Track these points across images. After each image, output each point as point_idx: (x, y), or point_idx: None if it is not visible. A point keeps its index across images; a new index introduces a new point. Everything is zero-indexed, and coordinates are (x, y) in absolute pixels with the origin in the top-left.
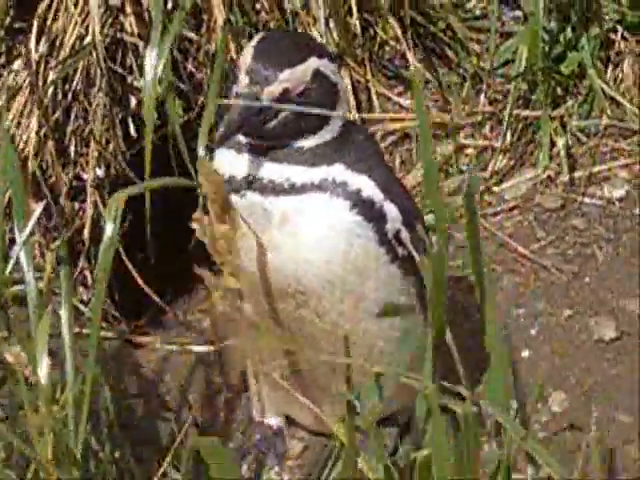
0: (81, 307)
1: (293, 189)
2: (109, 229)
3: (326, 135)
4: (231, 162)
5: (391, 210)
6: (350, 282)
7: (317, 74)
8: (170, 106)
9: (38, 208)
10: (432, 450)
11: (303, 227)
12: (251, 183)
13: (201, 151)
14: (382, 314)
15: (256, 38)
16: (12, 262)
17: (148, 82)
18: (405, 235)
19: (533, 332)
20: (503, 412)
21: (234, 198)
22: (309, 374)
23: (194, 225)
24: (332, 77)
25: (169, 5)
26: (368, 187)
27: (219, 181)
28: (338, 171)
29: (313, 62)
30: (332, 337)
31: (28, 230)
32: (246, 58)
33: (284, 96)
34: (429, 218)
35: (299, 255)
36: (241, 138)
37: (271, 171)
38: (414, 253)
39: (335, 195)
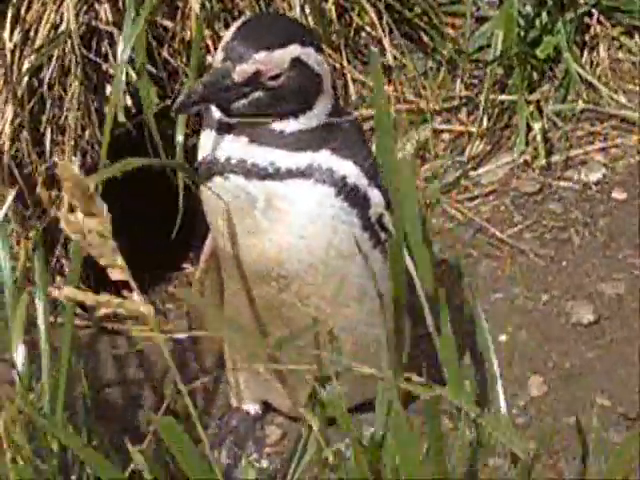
0: (58, 296)
1: (277, 174)
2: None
3: (311, 121)
4: (213, 143)
5: (375, 195)
6: (333, 267)
7: (297, 62)
8: (143, 92)
9: (10, 196)
10: (394, 440)
11: (287, 212)
12: (234, 166)
13: (180, 138)
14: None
15: (243, 18)
16: None
17: (119, 67)
18: (388, 219)
19: (511, 316)
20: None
21: (217, 180)
22: (286, 359)
23: (62, 224)
24: (315, 67)
25: None
26: (353, 173)
27: (77, 176)
28: (324, 157)
29: (294, 49)
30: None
31: (0, 217)
32: (227, 36)
33: (256, 77)
34: None
35: (283, 240)
36: (217, 115)
37: (254, 154)
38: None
39: (320, 181)
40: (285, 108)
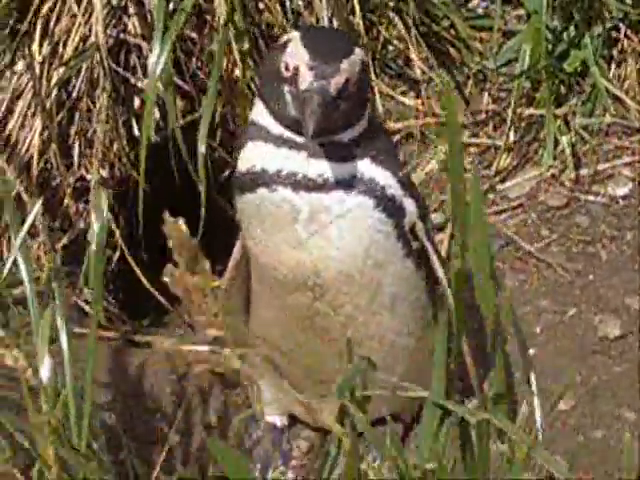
0: (86, 307)
1: (325, 185)
2: (97, 228)
3: (359, 129)
4: (263, 155)
5: (409, 205)
6: (368, 276)
7: (363, 65)
8: (170, 105)
9: (34, 208)
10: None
11: (330, 226)
12: (284, 178)
13: (202, 150)
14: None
15: (295, 35)
16: (9, 263)
17: (149, 81)
18: (420, 229)
19: (537, 330)
20: (506, 418)
21: (262, 191)
22: (316, 369)
23: (165, 279)
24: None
25: (171, 6)
26: (391, 183)
27: (184, 235)
28: (366, 167)
29: (359, 52)
30: (345, 330)
31: (24, 231)
32: (299, 55)
33: (346, 86)
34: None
35: (322, 252)
36: (275, 130)
37: (305, 166)
38: (428, 246)
39: (362, 193)
40: (353, 116)
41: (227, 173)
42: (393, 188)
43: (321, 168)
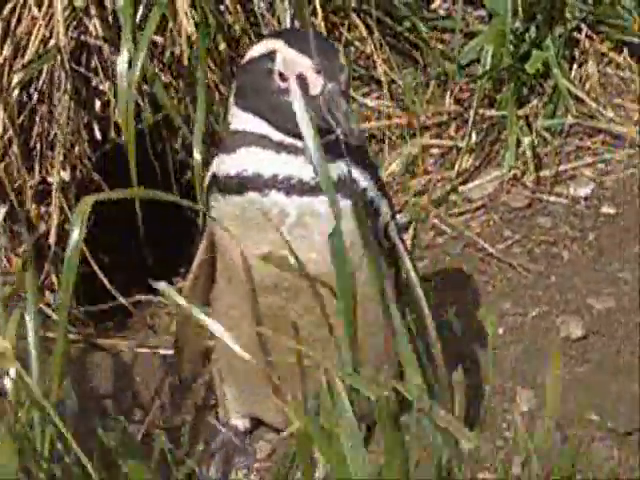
0: (48, 311)
1: (316, 188)
2: (75, 234)
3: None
4: (260, 160)
5: (383, 205)
6: None
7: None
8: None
9: (0, 213)
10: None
11: (312, 229)
12: (279, 182)
13: (197, 155)
14: None
15: (280, 44)
16: None
17: (123, 89)
18: (392, 228)
19: (500, 331)
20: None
21: (252, 195)
22: (283, 368)
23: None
24: None
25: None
26: (370, 185)
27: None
28: (349, 167)
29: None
30: (315, 330)
31: None
32: (297, 62)
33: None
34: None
35: (303, 254)
36: (276, 137)
37: (300, 169)
38: (399, 245)
39: (346, 196)
40: None
41: (189, 175)
42: (371, 191)
43: (310, 171)
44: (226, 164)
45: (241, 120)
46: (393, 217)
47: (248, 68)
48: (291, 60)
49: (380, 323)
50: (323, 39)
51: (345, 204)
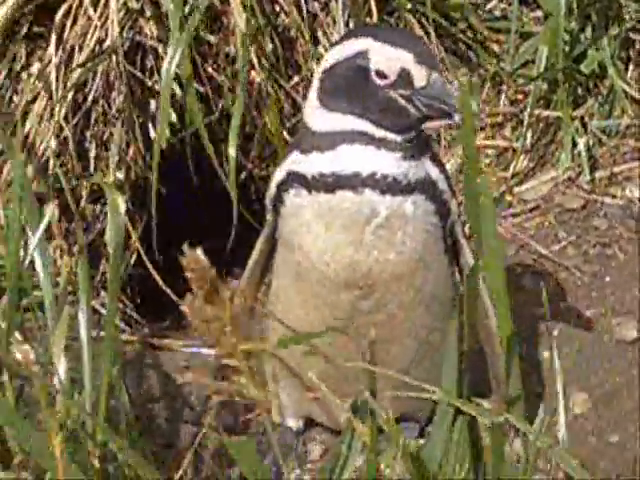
0: (103, 311)
1: (408, 187)
2: (114, 228)
3: None
4: (359, 157)
5: (453, 205)
6: (416, 276)
7: None
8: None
9: (49, 211)
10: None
11: (395, 230)
12: (376, 181)
13: (232, 152)
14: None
15: (372, 43)
16: (26, 265)
17: (164, 83)
18: (459, 227)
19: (555, 333)
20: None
21: (343, 193)
22: (345, 368)
23: (184, 309)
24: None
25: (187, 8)
26: (446, 187)
27: (203, 266)
28: (430, 168)
29: None
30: (382, 328)
31: (39, 233)
32: (396, 58)
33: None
34: None
35: (382, 255)
36: (378, 134)
37: (396, 167)
38: (464, 243)
39: (429, 199)
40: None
41: (243, 176)
42: (446, 192)
43: (405, 169)
44: (318, 162)
45: (330, 120)
46: (459, 215)
47: (337, 70)
48: (390, 57)
49: (442, 319)
50: (405, 32)
51: (427, 207)
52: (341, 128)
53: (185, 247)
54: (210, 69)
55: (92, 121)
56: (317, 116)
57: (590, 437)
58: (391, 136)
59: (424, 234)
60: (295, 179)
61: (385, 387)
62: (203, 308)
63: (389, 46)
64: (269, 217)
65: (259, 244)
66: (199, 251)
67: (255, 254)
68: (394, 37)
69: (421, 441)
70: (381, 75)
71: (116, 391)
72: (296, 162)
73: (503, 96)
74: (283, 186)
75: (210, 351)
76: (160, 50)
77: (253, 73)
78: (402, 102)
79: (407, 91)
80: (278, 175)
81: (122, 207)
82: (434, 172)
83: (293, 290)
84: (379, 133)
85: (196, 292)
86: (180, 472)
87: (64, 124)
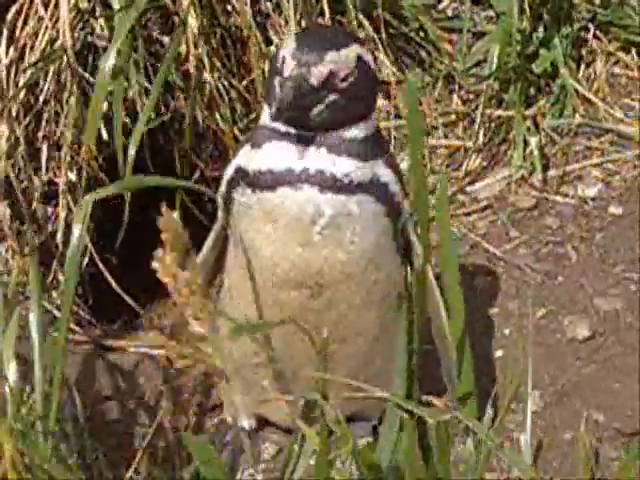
0: (55, 311)
1: (349, 186)
2: (76, 231)
3: (371, 127)
4: (286, 153)
5: (405, 205)
6: (367, 275)
7: (360, 60)
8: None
9: (0, 212)
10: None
11: (344, 229)
12: (311, 176)
13: (131, 151)
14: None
15: (295, 33)
16: None
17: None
18: (411, 228)
19: (507, 332)
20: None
21: (283, 190)
22: (296, 367)
23: (155, 265)
24: (373, 66)
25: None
26: (398, 189)
27: (178, 229)
28: (381, 170)
29: (355, 48)
30: (335, 328)
31: None
32: (289, 47)
33: (329, 79)
34: None
35: (332, 254)
36: (283, 129)
37: (333, 165)
38: (417, 244)
39: (378, 200)
40: (355, 111)
41: (197, 175)
42: (399, 195)
43: (346, 167)
44: (253, 160)
45: (265, 113)
46: (411, 215)
47: (272, 62)
48: (286, 44)
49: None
50: (335, 35)
51: (376, 208)
52: (266, 124)
53: (162, 208)
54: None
55: (44, 121)
56: (265, 109)
57: (543, 435)
58: (298, 131)
59: (374, 234)
60: (242, 176)
61: (335, 387)
62: (174, 269)
63: (295, 35)
64: (220, 214)
65: (209, 241)
66: (175, 214)
67: (204, 251)
68: (311, 30)
69: (370, 440)
70: (279, 61)
71: (68, 392)
72: (244, 156)
73: (455, 95)
74: (233, 183)
75: (161, 351)
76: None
77: (205, 73)
78: (275, 87)
79: (278, 78)
80: (229, 170)
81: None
82: (386, 174)
83: (244, 289)
84: (284, 128)
85: (169, 254)
86: (130, 472)
87: (15, 124)
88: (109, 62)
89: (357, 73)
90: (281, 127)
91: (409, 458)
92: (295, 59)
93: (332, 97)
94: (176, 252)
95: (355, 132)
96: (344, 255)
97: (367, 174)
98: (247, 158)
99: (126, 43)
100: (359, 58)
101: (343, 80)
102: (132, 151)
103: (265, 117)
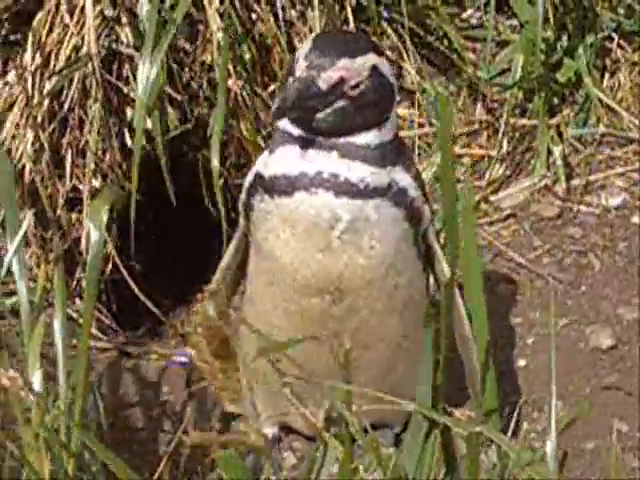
0: (79, 319)
1: (366, 191)
2: (94, 236)
3: (387, 134)
4: (301, 158)
5: (426, 211)
6: (388, 282)
7: (375, 70)
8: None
9: (27, 218)
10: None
11: (362, 234)
12: (325, 181)
13: (215, 163)
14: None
15: (316, 34)
16: (3, 272)
17: (140, 91)
18: (432, 234)
19: (529, 341)
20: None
21: (300, 195)
22: (319, 374)
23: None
24: (389, 77)
25: (164, 15)
26: (418, 195)
27: (214, 324)
28: (400, 175)
29: (372, 57)
30: (356, 334)
31: (18, 240)
32: (305, 48)
33: (340, 85)
34: None
35: (351, 259)
36: (301, 133)
37: (347, 169)
38: (437, 249)
39: (397, 205)
40: (366, 119)
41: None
42: (419, 200)
43: (361, 172)
44: (268, 165)
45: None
46: (432, 222)
47: (290, 64)
48: (301, 49)
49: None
50: (352, 41)
51: (395, 212)
52: (281, 127)
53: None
54: (186, 77)
55: (68, 128)
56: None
57: (565, 445)
58: (305, 134)
59: (394, 239)
60: (260, 182)
61: (358, 394)
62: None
63: (312, 38)
64: (242, 221)
65: (231, 248)
66: (211, 308)
67: (226, 258)
68: (329, 34)
69: (392, 450)
70: (294, 63)
71: (91, 399)
72: (261, 162)
73: (479, 104)
74: (252, 189)
75: (186, 358)
76: (136, 58)
77: (229, 81)
78: (287, 87)
79: (290, 78)
80: (248, 177)
81: (104, 217)
82: (404, 179)
83: (265, 296)
84: (296, 131)
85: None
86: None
87: (40, 131)
88: (150, 72)
89: (370, 82)
90: (293, 131)
91: (434, 468)
92: (307, 61)
93: (341, 103)
94: (212, 345)
95: (369, 139)
96: (364, 260)
97: (384, 179)
98: (264, 164)
99: (159, 52)
100: (374, 68)
101: (354, 87)
102: (163, 160)
103: (281, 122)
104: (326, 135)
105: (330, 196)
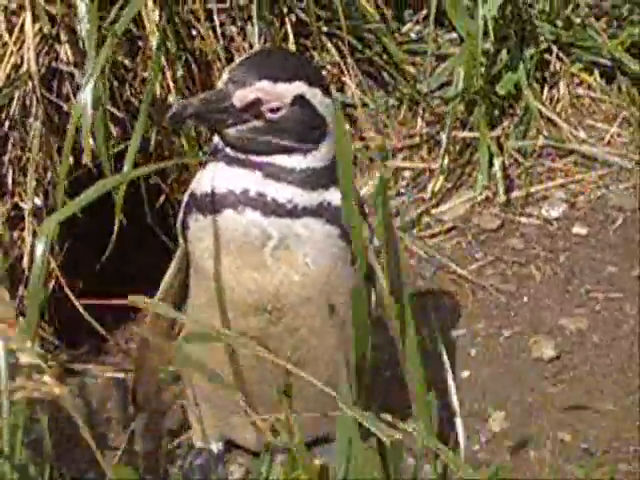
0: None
1: (295, 211)
2: (39, 250)
3: (317, 161)
4: (228, 175)
5: (364, 229)
6: (325, 300)
7: (300, 99)
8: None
9: None
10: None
11: (295, 252)
12: (251, 199)
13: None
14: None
15: (256, 49)
16: None
17: (77, 107)
18: (370, 252)
19: (473, 352)
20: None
21: (228, 213)
22: (260, 391)
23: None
24: (319, 108)
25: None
26: None
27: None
28: (334, 195)
29: (299, 86)
30: (295, 352)
31: None
32: (234, 63)
33: (255, 105)
34: None
35: (286, 277)
36: (228, 150)
37: (272, 189)
38: (377, 267)
39: (330, 222)
40: (286, 143)
41: (162, 199)
42: None
43: (288, 193)
44: (198, 182)
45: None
46: (371, 241)
47: None
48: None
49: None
50: (288, 65)
51: (329, 230)
52: (215, 143)
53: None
54: (127, 93)
55: (9, 146)
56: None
57: (508, 454)
58: (234, 152)
59: (330, 257)
60: (194, 200)
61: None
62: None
63: (246, 55)
64: (180, 240)
65: (173, 267)
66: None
67: (168, 277)
68: (264, 53)
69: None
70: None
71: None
72: (196, 179)
73: (419, 118)
74: (187, 207)
75: (128, 376)
76: (77, 75)
77: (170, 97)
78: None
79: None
80: (185, 196)
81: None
82: (338, 198)
83: (205, 314)
84: (227, 149)
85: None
86: None
87: None
88: (87, 94)
89: (292, 110)
90: (223, 148)
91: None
92: (230, 75)
93: (255, 123)
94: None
95: (293, 163)
96: (299, 277)
97: (314, 200)
98: (197, 181)
99: (102, 75)
100: (301, 97)
101: (274, 111)
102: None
103: (215, 138)
104: (242, 152)
105: (258, 215)
